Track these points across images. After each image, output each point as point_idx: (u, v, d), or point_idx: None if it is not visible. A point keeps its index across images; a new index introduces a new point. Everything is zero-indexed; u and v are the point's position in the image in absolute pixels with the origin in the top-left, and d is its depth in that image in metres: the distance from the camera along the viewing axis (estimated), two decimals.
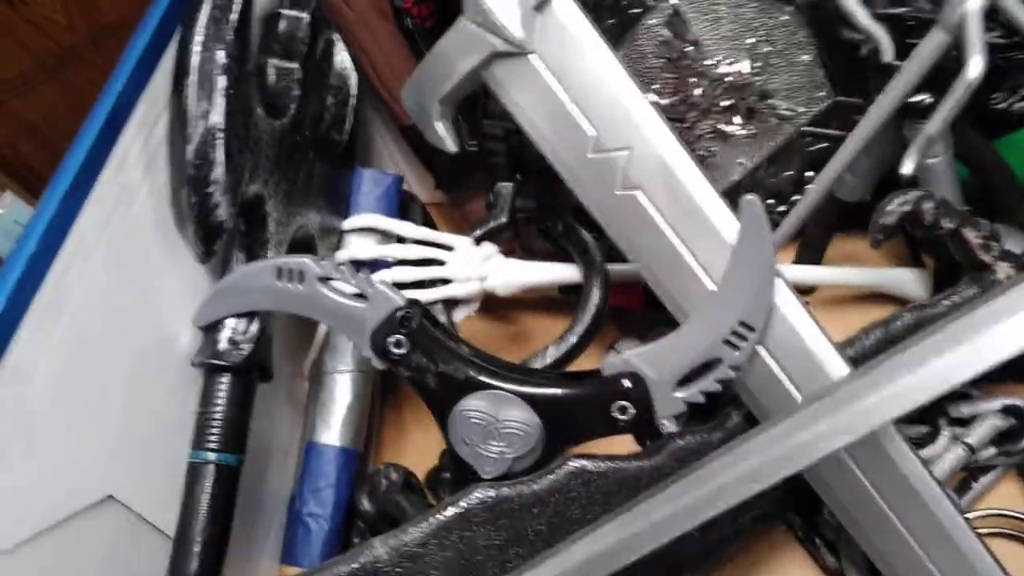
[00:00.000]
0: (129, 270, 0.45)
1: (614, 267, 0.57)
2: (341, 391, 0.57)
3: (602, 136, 0.45)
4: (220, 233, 0.46)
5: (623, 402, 0.45)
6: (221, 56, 0.45)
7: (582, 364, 0.53)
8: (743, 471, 0.41)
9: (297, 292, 0.46)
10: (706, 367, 0.44)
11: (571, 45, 0.45)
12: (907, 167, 0.49)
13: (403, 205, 0.61)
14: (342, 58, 0.58)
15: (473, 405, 0.46)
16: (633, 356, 0.45)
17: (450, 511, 0.45)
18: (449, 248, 0.56)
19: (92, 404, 0.42)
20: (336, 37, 0.58)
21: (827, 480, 0.46)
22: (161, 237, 0.46)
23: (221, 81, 0.45)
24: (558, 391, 0.46)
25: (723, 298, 0.44)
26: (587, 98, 0.45)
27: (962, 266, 0.50)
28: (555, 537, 0.46)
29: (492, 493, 0.46)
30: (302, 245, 0.53)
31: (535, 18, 0.45)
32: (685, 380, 0.44)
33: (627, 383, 0.45)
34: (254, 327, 0.48)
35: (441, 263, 0.56)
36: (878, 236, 0.50)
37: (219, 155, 0.45)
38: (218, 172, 0.45)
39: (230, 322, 0.48)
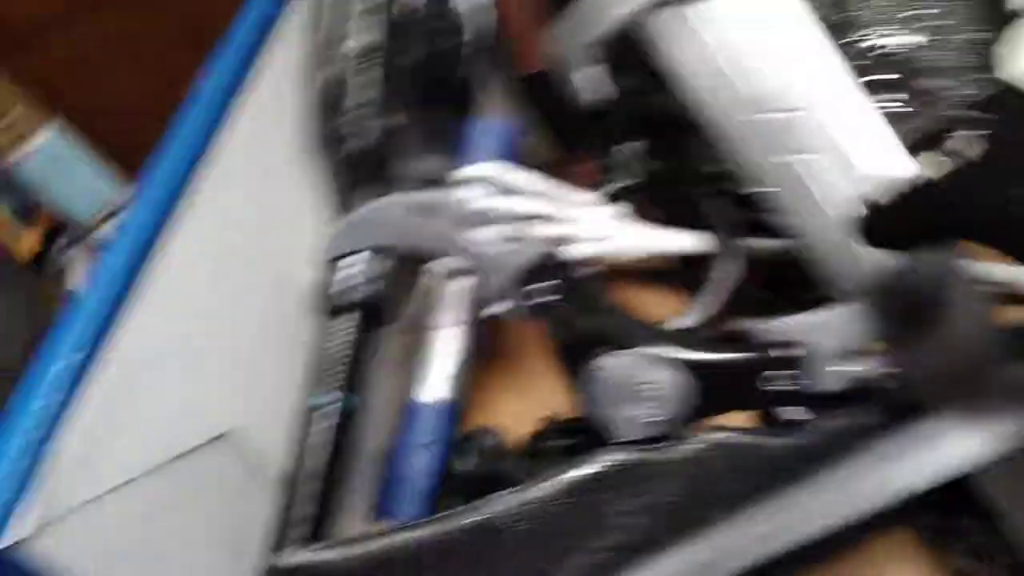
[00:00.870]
0: (265, 193, 0.42)
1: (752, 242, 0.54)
2: (443, 347, 0.54)
3: (769, 95, 0.42)
4: (358, 163, 0.44)
5: (777, 372, 0.42)
6: None
7: None
8: (912, 466, 0.38)
9: (439, 230, 0.43)
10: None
11: None
12: None
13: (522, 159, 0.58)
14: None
15: (617, 363, 0.43)
16: (795, 324, 0.42)
17: (582, 471, 0.43)
18: (575, 205, 0.53)
19: (222, 332, 0.40)
20: None
21: None
22: (295, 160, 0.44)
23: (367, 3, 0.42)
24: (708, 355, 0.43)
25: None
26: (756, 52, 0.42)
27: None
28: (689, 511, 0.43)
29: (628, 456, 0.43)
30: None
31: None
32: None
33: (783, 352, 0.42)
34: (384, 265, 0.45)
35: (565, 220, 0.53)
36: None
37: (361, 77, 0.42)
38: (357, 95, 0.42)
39: (354, 261, 0.45)
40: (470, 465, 0.55)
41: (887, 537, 0.50)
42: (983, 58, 0.53)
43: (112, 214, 0.86)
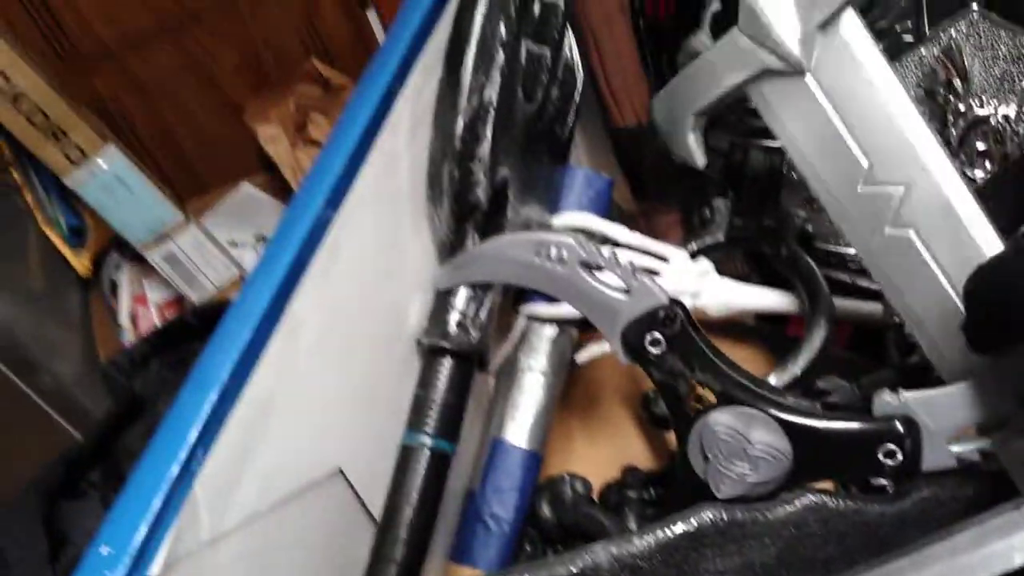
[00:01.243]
0: (384, 239, 0.43)
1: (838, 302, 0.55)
2: (534, 391, 0.55)
3: (876, 168, 0.43)
4: (473, 212, 0.45)
5: (892, 446, 0.42)
6: (503, 30, 0.44)
7: None
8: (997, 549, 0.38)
9: (555, 271, 0.44)
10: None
11: (853, 68, 0.43)
12: None
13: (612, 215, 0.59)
14: (571, 52, 0.56)
15: (725, 420, 0.44)
16: (912, 399, 0.42)
17: (680, 527, 0.43)
18: (664, 259, 0.54)
19: (340, 368, 0.41)
20: (567, 30, 0.56)
21: None
22: (411, 210, 0.45)
23: (500, 56, 0.43)
24: (820, 422, 0.43)
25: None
26: (864, 126, 0.43)
27: None
28: (781, 572, 0.43)
29: (726, 516, 0.43)
30: None
31: (816, 37, 0.43)
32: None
33: (900, 427, 0.42)
34: (484, 312, 0.46)
35: (655, 273, 0.54)
36: None
37: (488, 131, 0.43)
38: (484, 149, 0.44)
39: (459, 304, 0.46)
40: (555, 512, 0.56)
41: None
42: None
43: (165, 236, 0.87)
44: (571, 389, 0.61)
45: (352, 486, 0.43)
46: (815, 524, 0.44)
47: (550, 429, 0.57)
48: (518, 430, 0.54)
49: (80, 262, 0.96)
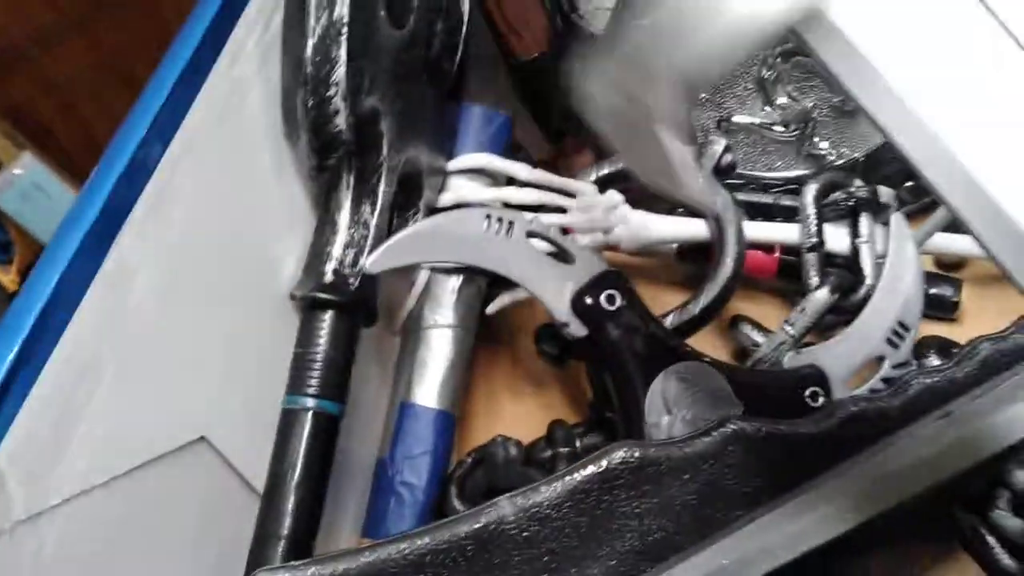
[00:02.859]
0: (237, 180, 0.39)
1: (753, 227, 0.51)
2: (441, 348, 0.51)
3: None
4: (336, 145, 0.41)
5: (816, 387, 0.45)
6: None
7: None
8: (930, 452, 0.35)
9: (503, 244, 0.44)
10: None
11: None
12: None
13: (512, 152, 0.55)
14: None
15: (684, 372, 0.44)
16: (817, 351, 0.47)
17: (589, 470, 0.39)
18: (570, 195, 0.50)
19: (192, 328, 0.37)
20: None
21: None
22: (270, 146, 0.41)
23: None
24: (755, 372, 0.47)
25: (882, 301, 0.48)
26: None
27: None
28: (705, 510, 0.40)
29: (637, 453, 0.40)
30: (409, 182, 0.48)
31: None
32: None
33: (813, 375, 0.46)
34: (363, 259, 0.42)
35: (561, 211, 0.50)
36: None
37: (342, 53, 0.39)
38: (339, 73, 0.39)
39: (336, 253, 0.42)
40: (488, 477, 0.52)
41: (928, 538, 0.47)
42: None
43: None
44: (492, 346, 0.57)
45: (223, 455, 0.39)
46: (736, 455, 0.40)
47: (464, 388, 0.53)
48: (427, 390, 0.50)
49: (8, 278, 0.92)
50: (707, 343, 0.52)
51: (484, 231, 0.44)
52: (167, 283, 0.35)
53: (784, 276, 0.54)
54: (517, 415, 0.56)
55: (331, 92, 0.39)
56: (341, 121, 0.40)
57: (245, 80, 0.39)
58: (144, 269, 0.34)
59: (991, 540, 0.44)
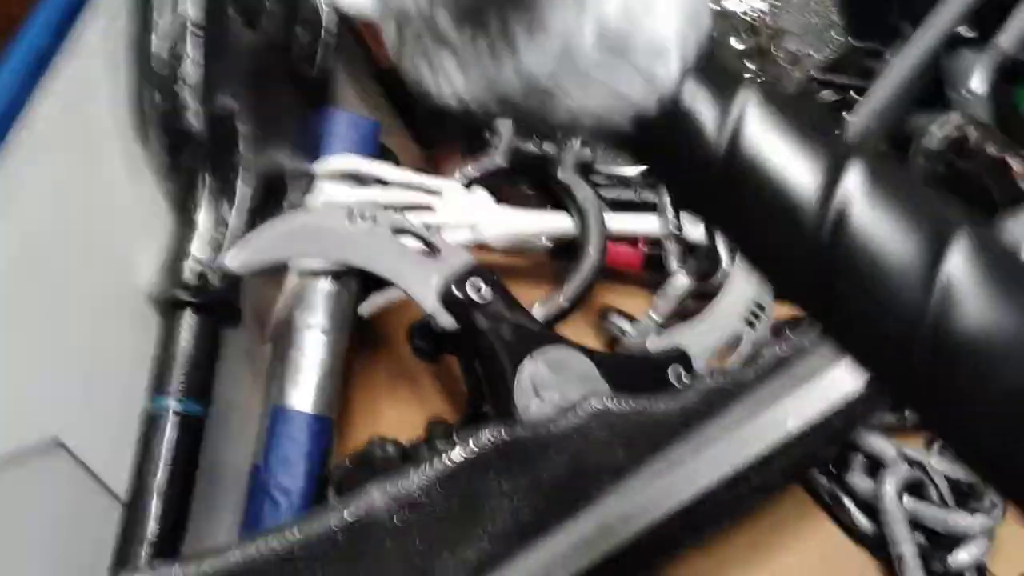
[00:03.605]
0: (86, 178, 0.38)
1: (616, 219, 0.53)
2: (314, 351, 0.50)
3: None
4: (187, 142, 0.40)
5: (679, 366, 0.47)
6: None
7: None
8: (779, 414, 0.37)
9: (367, 239, 0.44)
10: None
11: None
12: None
13: (380, 157, 0.56)
14: None
15: (553, 358, 0.45)
16: (679, 333, 0.49)
17: (457, 454, 0.40)
18: (437, 193, 0.51)
19: (39, 325, 0.36)
20: None
21: None
22: (120, 144, 0.40)
23: None
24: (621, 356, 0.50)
25: (738, 284, 0.50)
26: None
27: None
28: (573, 485, 0.41)
29: (506, 435, 0.40)
30: (272, 183, 0.48)
31: None
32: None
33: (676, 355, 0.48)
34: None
35: (429, 210, 0.51)
36: (922, 161, 0.48)
37: (190, 50, 0.39)
38: (188, 69, 0.39)
39: (195, 252, 0.42)
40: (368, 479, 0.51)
41: (784, 501, 0.49)
42: (829, 18, 0.54)
43: None
44: (369, 350, 0.57)
45: (80, 460, 0.38)
46: (600, 430, 0.41)
47: (340, 391, 0.52)
48: (301, 394, 0.50)
49: None
50: (580, 335, 0.53)
51: (348, 226, 0.44)
52: (10, 287, 0.34)
53: (650, 268, 0.56)
54: (397, 416, 0.56)
55: (180, 89, 0.39)
56: (193, 119, 0.40)
57: (92, 76, 0.38)
58: None
59: (847, 501, 0.47)
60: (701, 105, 0.23)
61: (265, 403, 0.51)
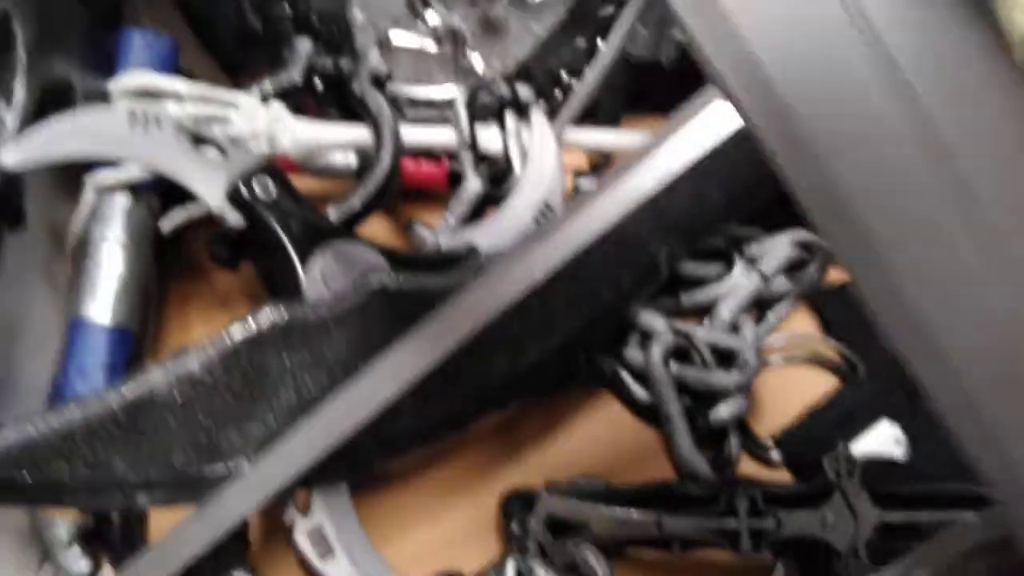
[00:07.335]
0: None
1: (414, 132, 0.55)
2: (112, 263, 0.51)
3: None
4: None
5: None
6: None
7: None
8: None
9: (151, 138, 0.45)
10: None
11: None
12: None
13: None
14: None
15: (343, 249, 0.47)
16: (472, 232, 0.51)
17: (237, 331, 0.41)
18: (233, 106, 0.52)
19: None
20: None
21: None
22: None
23: None
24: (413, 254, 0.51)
25: (528, 183, 0.53)
26: None
27: None
28: (355, 361, 0.42)
29: (286, 315, 0.42)
30: (59, 97, 0.48)
31: None
32: None
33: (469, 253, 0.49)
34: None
35: (224, 121, 0.52)
36: None
37: None
38: None
39: None
40: None
41: (576, 389, 0.53)
42: None
43: None
44: (179, 265, 0.58)
45: None
46: (380, 308, 0.44)
47: (144, 305, 0.53)
48: (99, 305, 0.50)
49: None
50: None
51: (130, 125, 0.45)
52: None
53: (455, 185, 0.59)
54: (205, 329, 0.56)
55: None
56: None
57: None
58: None
59: (625, 375, 0.50)
60: None
61: (66, 315, 0.51)
